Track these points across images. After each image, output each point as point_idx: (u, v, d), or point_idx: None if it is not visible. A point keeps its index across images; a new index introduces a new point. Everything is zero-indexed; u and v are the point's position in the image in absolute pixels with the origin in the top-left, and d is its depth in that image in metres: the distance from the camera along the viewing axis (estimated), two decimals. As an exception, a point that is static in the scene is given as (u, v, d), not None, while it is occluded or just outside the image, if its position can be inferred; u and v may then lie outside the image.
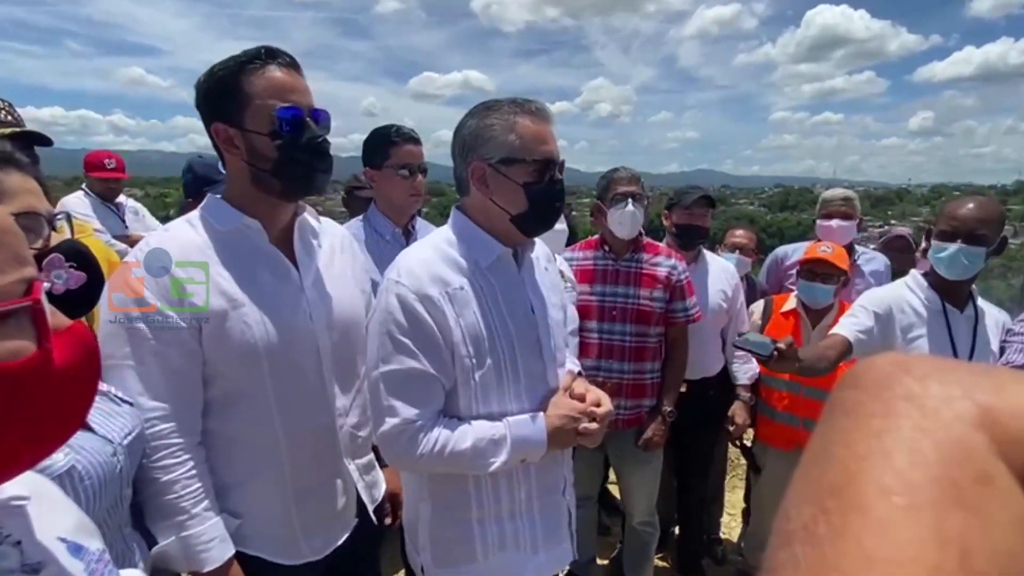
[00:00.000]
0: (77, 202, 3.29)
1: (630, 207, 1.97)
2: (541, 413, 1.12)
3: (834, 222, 2.56)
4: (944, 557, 0.16)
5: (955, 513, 0.16)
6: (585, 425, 1.13)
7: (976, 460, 0.17)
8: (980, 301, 1.76)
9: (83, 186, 3.45)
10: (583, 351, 2.02)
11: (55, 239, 0.82)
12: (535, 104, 1.11)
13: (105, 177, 3.44)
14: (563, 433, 1.12)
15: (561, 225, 2.06)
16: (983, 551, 0.16)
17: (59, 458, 0.75)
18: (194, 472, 1.00)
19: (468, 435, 1.06)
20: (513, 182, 1.08)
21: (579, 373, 1.31)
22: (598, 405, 1.17)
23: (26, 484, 0.50)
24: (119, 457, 0.84)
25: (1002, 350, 1.69)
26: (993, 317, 1.76)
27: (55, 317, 0.46)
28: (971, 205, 1.63)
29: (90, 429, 0.82)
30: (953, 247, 1.61)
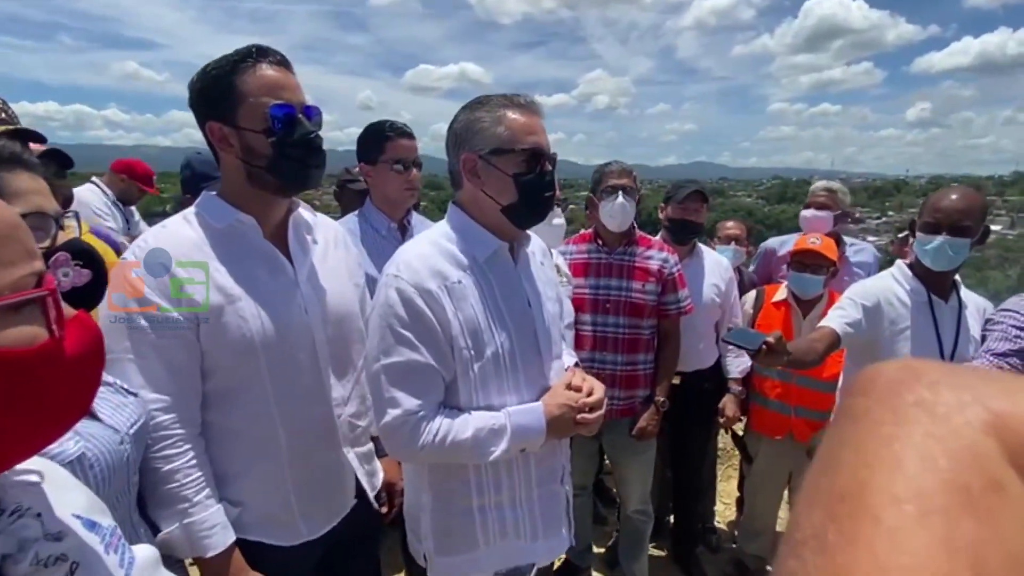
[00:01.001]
0: (93, 197, 3.24)
1: (620, 199, 2.00)
2: (540, 403, 1.15)
3: (809, 212, 2.62)
4: (955, 565, 0.16)
5: (966, 521, 0.16)
6: (583, 416, 1.16)
7: (988, 467, 0.17)
8: (963, 290, 1.79)
9: (98, 180, 3.36)
10: (577, 344, 2.05)
11: (63, 237, 0.85)
12: (524, 97, 1.14)
13: (149, 191, 3.55)
14: (562, 422, 1.14)
15: (559, 220, 2.08)
16: (995, 559, 0.16)
17: (70, 445, 0.77)
18: (195, 462, 1.03)
19: (469, 425, 1.09)
20: (503, 172, 1.11)
21: (576, 364, 1.34)
22: (592, 394, 1.19)
23: (37, 467, 0.53)
24: (126, 445, 0.87)
25: (983, 338, 1.72)
26: (975, 304, 1.79)
27: (63, 307, 0.49)
28: (954, 197, 1.64)
29: (98, 419, 0.85)
30: (938, 239, 1.63)
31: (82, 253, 0.82)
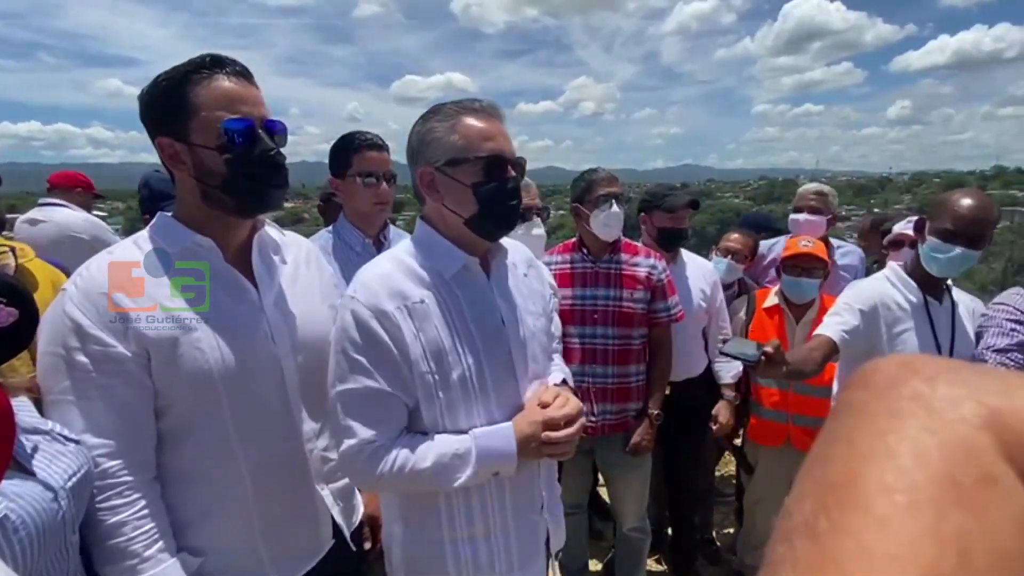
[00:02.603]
0: (91, 217, 3.06)
1: (615, 208, 1.94)
2: (510, 423, 1.07)
3: (802, 216, 2.56)
4: (942, 556, 0.16)
5: (956, 513, 0.17)
6: (547, 433, 1.06)
7: (980, 461, 0.17)
8: (954, 290, 1.76)
9: (58, 200, 3.06)
10: (565, 357, 1.97)
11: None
12: (480, 102, 1.07)
13: (98, 196, 3.38)
14: (534, 442, 1.06)
15: (539, 230, 2.02)
16: (983, 551, 0.16)
17: None
18: (146, 512, 0.94)
19: (430, 452, 1.02)
20: (460, 183, 1.04)
21: (563, 381, 1.24)
22: (570, 414, 1.08)
23: None
24: (61, 502, 0.78)
25: (979, 336, 1.68)
26: (965, 304, 1.75)
27: None
28: (975, 204, 1.54)
29: (30, 473, 0.76)
30: (956, 250, 1.55)
31: (8, 289, 0.74)
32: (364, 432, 1.01)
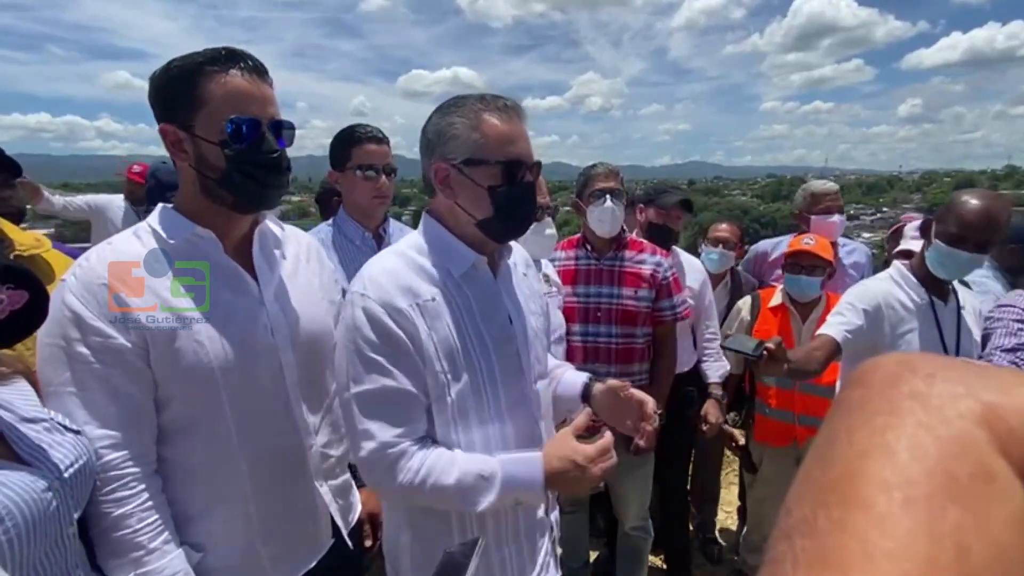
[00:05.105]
0: (114, 207, 3.61)
1: (609, 203, 1.92)
2: (539, 453, 1.02)
3: (836, 217, 2.48)
4: (939, 551, 0.16)
5: (953, 508, 0.17)
6: (593, 472, 1.00)
7: (977, 457, 0.17)
8: (960, 291, 1.74)
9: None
10: (568, 355, 1.96)
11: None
12: (505, 101, 1.03)
13: (139, 182, 3.70)
14: (563, 477, 1.00)
15: (551, 230, 2.01)
16: (979, 545, 0.16)
17: None
18: (150, 503, 0.93)
19: (454, 468, 0.97)
20: (477, 185, 1.01)
21: (588, 380, 1.21)
22: (604, 450, 1.03)
23: None
24: (55, 492, 0.78)
25: (986, 337, 1.67)
26: (972, 305, 1.74)
27: None
28: (982, 207, 1.51)
29: (24, 462, 0.76)
30: (963, 255, 1.53)
31: (12, 274, 0.75)
32: (384, 434, 0.97)
